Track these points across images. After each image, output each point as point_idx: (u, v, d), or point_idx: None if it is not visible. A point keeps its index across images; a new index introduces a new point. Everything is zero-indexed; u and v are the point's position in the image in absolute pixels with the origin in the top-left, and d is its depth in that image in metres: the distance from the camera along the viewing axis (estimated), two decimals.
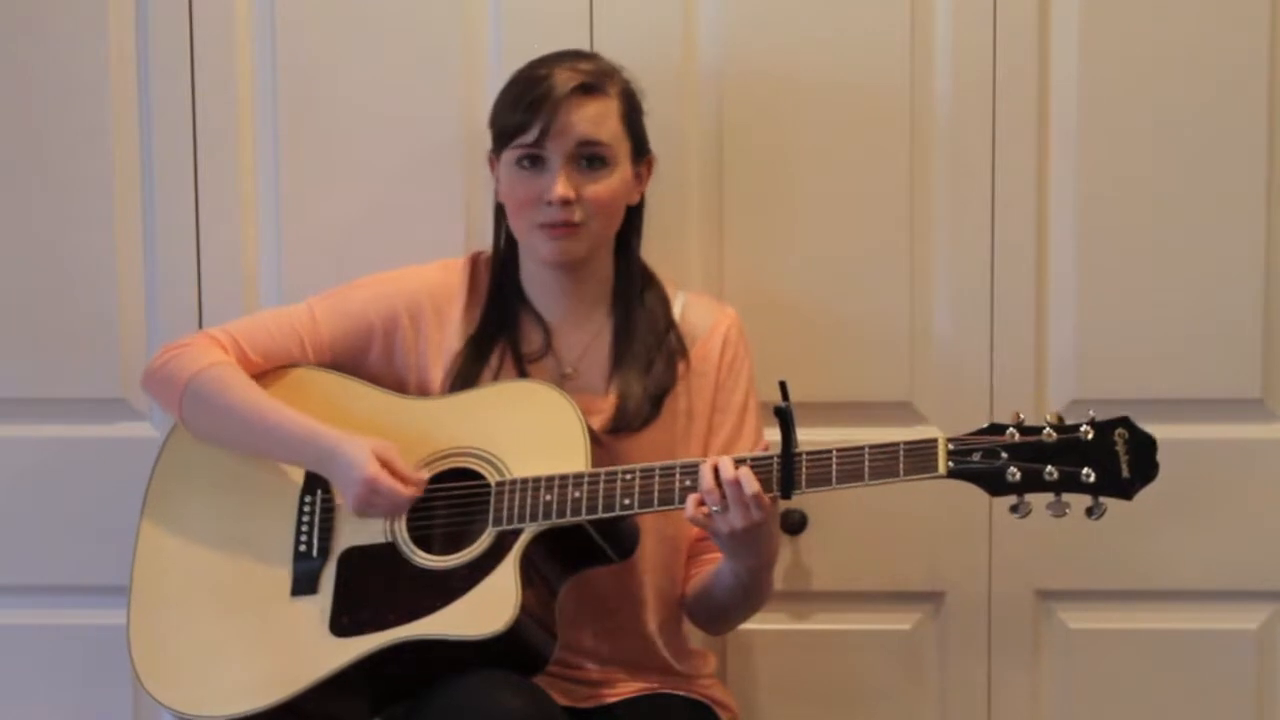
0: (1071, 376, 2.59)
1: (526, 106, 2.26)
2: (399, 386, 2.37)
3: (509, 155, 2.30)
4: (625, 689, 2.35)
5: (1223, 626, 2.62)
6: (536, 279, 2.38)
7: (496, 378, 2.33)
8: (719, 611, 2.39)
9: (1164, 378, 2.58)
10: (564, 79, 2.26)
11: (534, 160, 2.27)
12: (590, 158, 2.27)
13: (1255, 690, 2.63)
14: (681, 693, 2.39)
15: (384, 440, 2.23)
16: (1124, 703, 2.63)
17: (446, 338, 2.37)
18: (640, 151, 2.35)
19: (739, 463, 2.13)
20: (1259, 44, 2.53)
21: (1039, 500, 2.07)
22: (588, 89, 2.27)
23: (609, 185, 2.29)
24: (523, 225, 2.31)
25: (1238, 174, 2.55)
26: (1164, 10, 2.54)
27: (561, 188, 2.25)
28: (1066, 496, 2.06)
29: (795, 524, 2.59)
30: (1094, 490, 2.05)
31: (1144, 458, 2.06)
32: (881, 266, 2.59)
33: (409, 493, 2.21)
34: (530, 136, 2.26)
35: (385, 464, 2.21)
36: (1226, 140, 2.55)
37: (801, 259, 2.60)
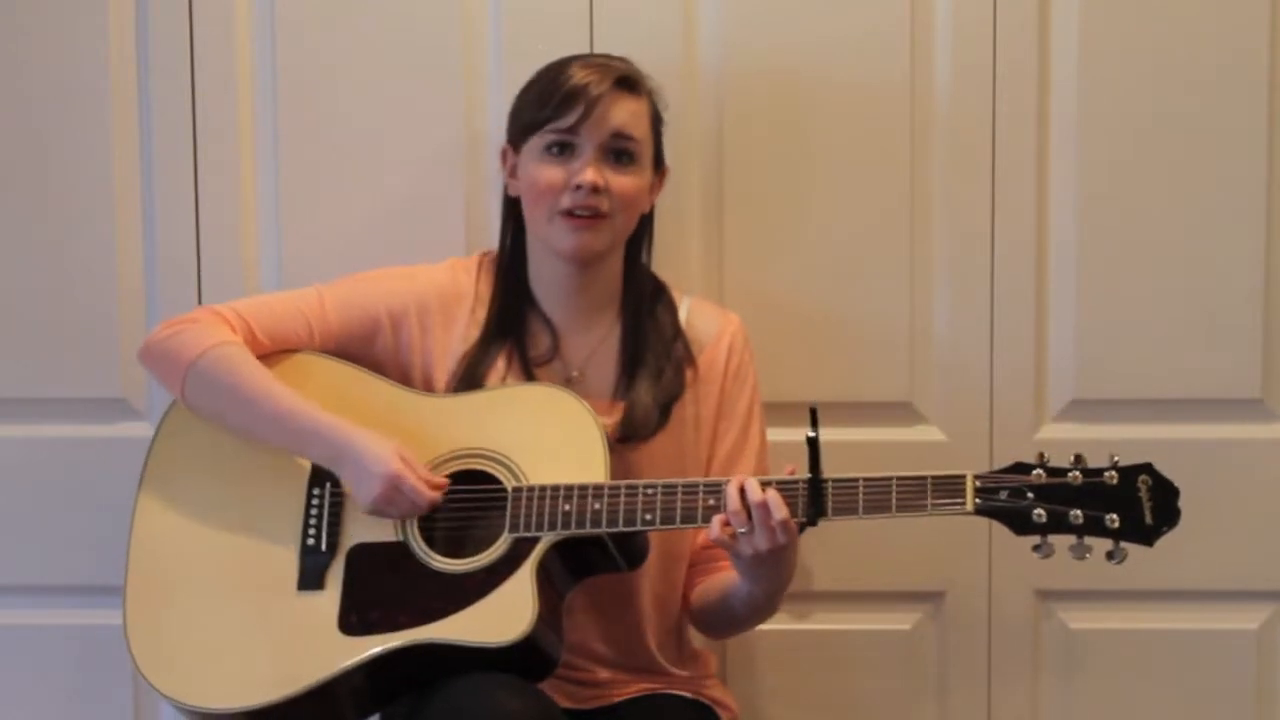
0: (1071, 376, 2.59)
1: (565, 96, 2.26)
2: (402, 382, 2.35)
3: (536, 142, 2.29)
4: (626, 689, 2.35)
5: (1223, 626, 2.63)
6: (545, 279, 2.37)
7: (503, 380, 2.32)
8: (727, 623, 2.39)
9: (1164, 378, 2.58)
10: (603, 72, 2.27)
11: (563, 147, 2.28)
12: (621, 151, 2.28)
13: (1255, 690, 2.63)
14: (682, 693, 2.39)
15: (403, 442, 2.22)
16: (1124, 703, 2.63)
17: (452, 338, 2.36)
18: (658, 160, 2.36)
19: (765, 485, 2.12)
20: (1259, 42, 2.54)
21: (1060, 541, 2.09)
22: (627, 84, 2.29)
23: (635, 181, 2.30)
24: (544, 213, 2.30)
25: (1238, 173, 2.55)
26: (1164, 9, 2.54)
27: (592, 173, 2.25)
28: (1088, 539, 2.07)
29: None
30: (1117, 536, 2.07)
31: (1166, 505, 2.08)
32: (881, 266, 2.59)
33: (431, 496, 2.19)
34: (567, 122, 2.26)
35: (408, 464, 2.19)
36: (1227, 139, 2.55)
37: (801, 259, 2.60)
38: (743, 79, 2.57)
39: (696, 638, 2.49)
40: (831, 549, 2.62)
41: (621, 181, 2.29)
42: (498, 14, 2.59)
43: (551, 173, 2.28)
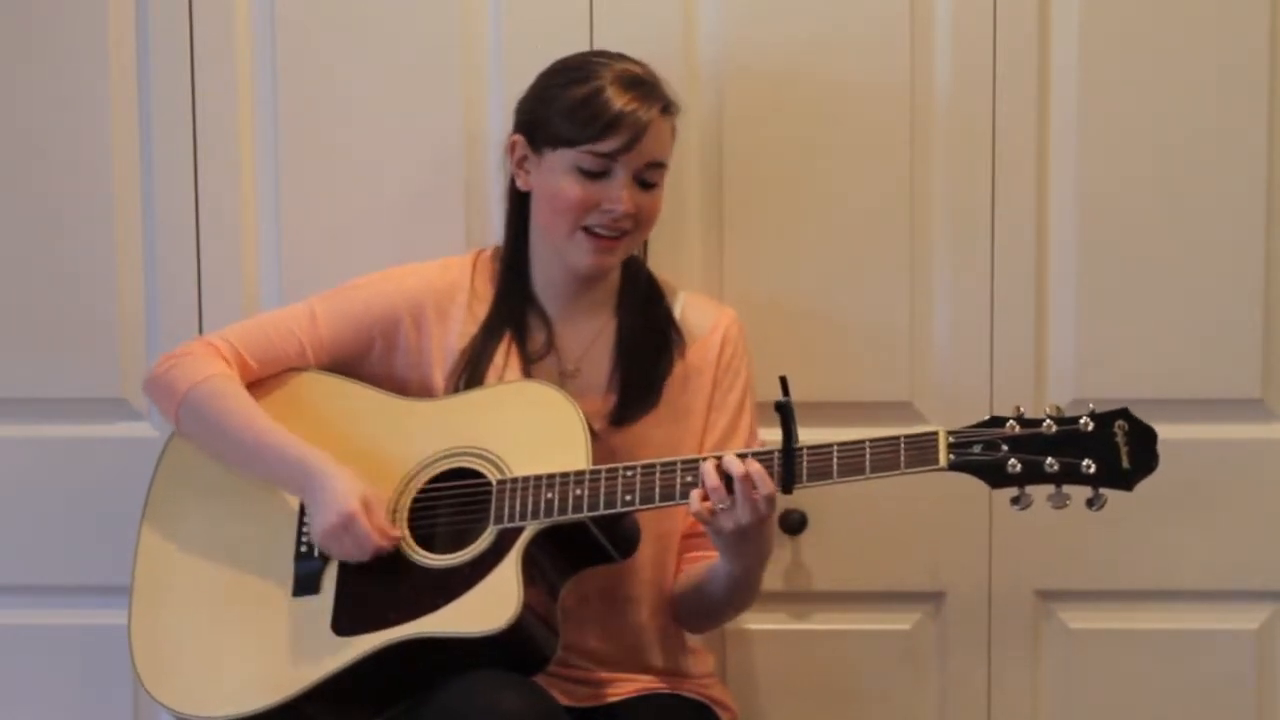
0: (1071, 376, 2.59)
1: (610, 121, 2.24)
2: (400, 386, 2.36)
3: (569, 156, 2.27)
4: (625, 688, 2.35)
5: (1223, 626, 2.62)
6: (547, 278, 2.37)
7: (501, 375, 2.33)
8: (709, 610, 2.39)
9: (1164, 378, 2.58)
10: (648, 99, 2.26)
11: (597, 170, 2.26)
12: (650, 179, 2.29)
13: (1255, 690, 2.63)
14: (681, 692, 2.39)
15: (374, 489, 2.23)
16: (1124, 703, 2.63)
17: (449, 337, 2.37)
18: None
19: (742, 458, 2.13)
20: (1260, 42, 2.53)
21: (1039, 492, 2.07)
22: (667, 110, 2.30)
23: (659, 200, 2.32)
24: (565, 227, 2.29)
25: (1238, 173, 2.55)
26: (1164, 8, 2.54)
27: (629, 203, 2.26)
28: (1067, 488, 2.06)
29: (795, 524, 2.59)
30: (1094, 482, 2.05)
31: (1144, 449, 2.06)
32: (881, 266, 2.59)
33: (378, 544, 2.20)
34: (608, 148, 2.24)
35: (367, 508, 2.21)
36: (1227, 139, 2.55)
37: (801, 259, 2.60)
38: (743, 78, 2.57)
39: (695, 636, 2.49)
40: (831, 549, 2.62)
41: (649, 201, 2.30)
42: (498, 14, 2.59)
43: (582, 191, 2.26)
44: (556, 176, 2.28)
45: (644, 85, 2.28)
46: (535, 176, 2.32)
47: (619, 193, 2.26)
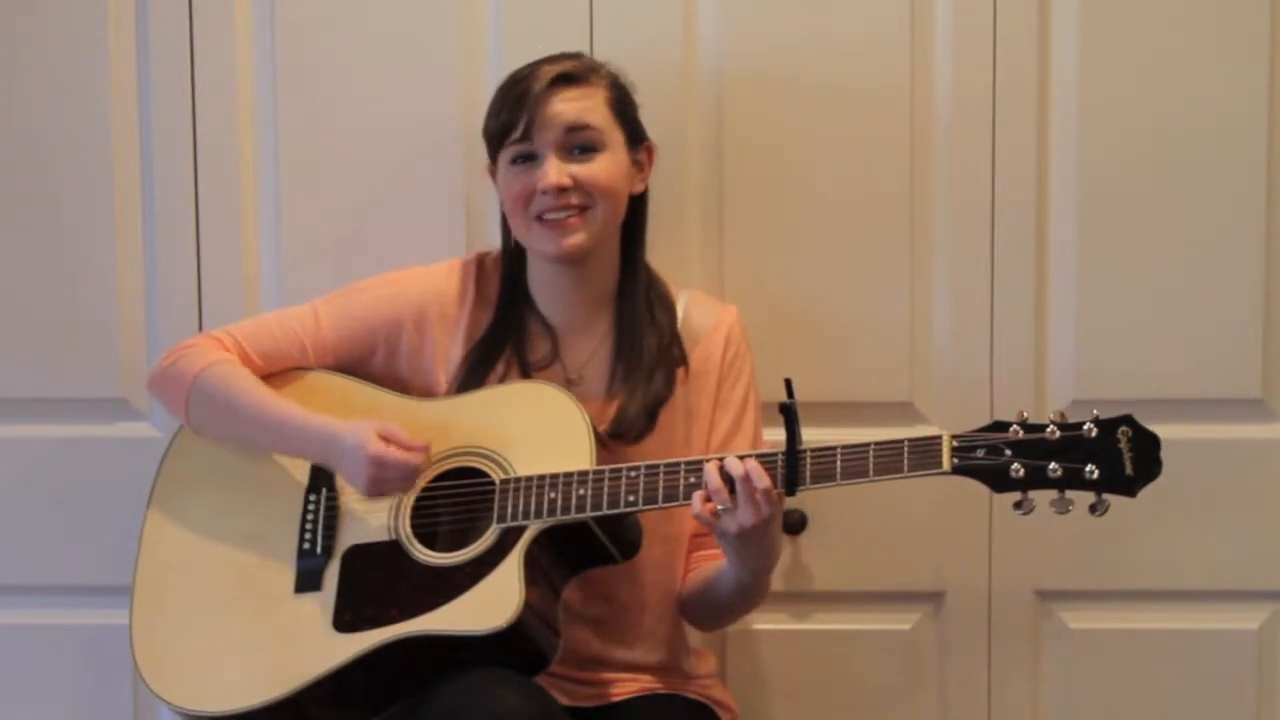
0: (1071, 376, 2.59)
1: (511, 104, 2.29)
2: (403, 390, 2.37)
3: (504, 156, 2.31)
4: (626, 689, 2.35)
5: (1223, 626, 2.62)
6: (543, 282, 2.38)
7: (502, 382, 2.33)
8: (717, 611, 2.39)
9: (1164, 378, 2.58)
10: (540, 76, 2.28)
11: (527, 157, 2.29)
12: (581, 145, 2.29)
13: (1255, 690, 2.63)
14: (682, 693, 2.39)
15: (382, 420, 2.24)
16: (1124, 703, 2.63)
17: (451, 341, 2.37)
18: (636, 139, 2.35)
19: (743, 458, 2.13)
20: (1260, 41, 2.53)
21: (1042, 497, 2.08)
22: (569, 79, 2.29)
23: (606, 166, 2.30)
24: (521, 223, 2.31)
25: (1238, 173, 2.55)
26: (1164, 10, 2.54)
27: (554, 175, 2.27)
28: (1070, 493, 2.06)
29: (795, 524, 2.59)
30: (1097, 487, 2.05)
31: (1147, 455, 2.06)
32: (881, 266, 2.59)
33: (417, 459, 2.21)
34: (518, 132, 2.28)
35: (388, 438, 2.21)
36: (1227, 139, 2.55)
37: (801, 259, 2.60)
38: (743, 79, 2.58)
39: (695, 636, 2.49)
40: (831, 549, 2.62)
41: (590, 170, 2.29)
42: (498, 14, 2.60)
43: (519, 183, 2.30)
44: (503, 179, 2.33)
45: (539, 70, 2.30)
46: (499, 188, 2.35)
47: (545, 170, 2.27)
